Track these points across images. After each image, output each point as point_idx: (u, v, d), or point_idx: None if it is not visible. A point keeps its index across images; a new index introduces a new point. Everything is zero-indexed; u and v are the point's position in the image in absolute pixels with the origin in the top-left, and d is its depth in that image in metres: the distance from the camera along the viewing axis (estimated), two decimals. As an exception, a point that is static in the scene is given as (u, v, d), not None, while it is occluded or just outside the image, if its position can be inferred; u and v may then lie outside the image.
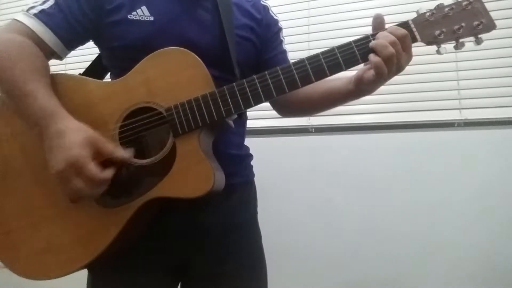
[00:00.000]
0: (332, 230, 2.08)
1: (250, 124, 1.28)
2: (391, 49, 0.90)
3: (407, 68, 0.95)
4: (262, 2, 1.27)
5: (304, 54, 2.15)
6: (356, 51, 0.94)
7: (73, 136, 0.88)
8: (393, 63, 0.91)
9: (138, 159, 0.97)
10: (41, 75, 0.98)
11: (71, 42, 1.08)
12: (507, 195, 1.86)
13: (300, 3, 2.37)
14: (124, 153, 0.93)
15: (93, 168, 0.87)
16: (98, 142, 0.90)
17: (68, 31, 1.05)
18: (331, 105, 1.21)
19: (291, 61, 1.13)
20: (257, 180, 1.29)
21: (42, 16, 1.02)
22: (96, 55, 1.20)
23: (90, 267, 1.04)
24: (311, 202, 2.13)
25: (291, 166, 2.18)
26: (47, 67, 1.03)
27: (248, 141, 1.27)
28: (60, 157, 0.87)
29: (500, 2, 1.92)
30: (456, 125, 2.00)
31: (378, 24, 0.96)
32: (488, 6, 0.92)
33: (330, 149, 2.15)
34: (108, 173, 0.90)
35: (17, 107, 0.96)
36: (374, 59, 0.92)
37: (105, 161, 0.91)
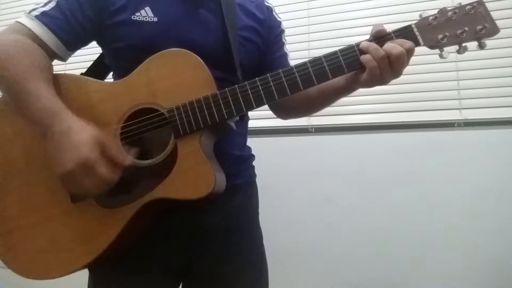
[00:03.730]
0: (332, 230, 2.08)
1: (250, 124, 1.28)
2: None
3: (407, 68, 0.96)
4: (266, 3, 1.27)
5: (304, 54, 2.16)
6: (359, 54, 0.95)
7: (80, 136, 0.88)
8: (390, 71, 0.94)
9: (140, 160, 0.97)
10: (43, 74, 0.97)
11: (72, 44, 1.08)
12: (507, 195, 1.86)
13: (300, 3, 2.36)
14: (125, 159, 0.93)
15: (101, 169, 0.87)
16: (104, 143, 0.90)
17: (69, 33, 1.05)
18: (328, 103, 1.22)
19: (293, 63, 1.13)
20: (257, 180, 1.30)
21: (43, 18, 1.02)
22: (97, 55, 1.20)
23: (91, 267, 1.04)
24: (311, 202, 2.13)
25: (291, 166, 2.18)
26: (50, 66, 1.02)
27: (248, 141, 1.27)
28: (68, 157, 0.86)
29: (500, 2, 1.92)
30: (456, 125, 2.00)
31: (376, 33, 0.96)
32: (488, 6, 0.92)
33: (330, 149, 2.15)
34: (115, 175, 0.90)
35: (18, 105, 0.95)
36: (370, 64, 0.93)
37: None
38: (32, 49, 0.99)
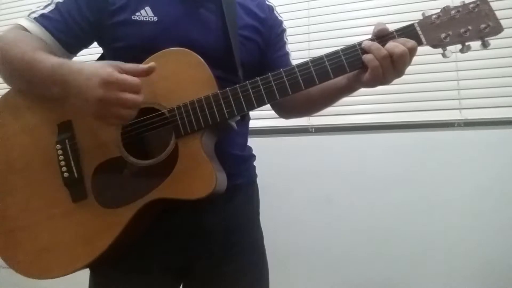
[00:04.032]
0: (332, 230, 2.09)
1: (250, 124, 1.28)
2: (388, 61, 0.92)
3: (407, 68, 0.96)
4: (267, 2, 1.27)
5: (304, 54, 2.15)
6: (361, 53, 0.94)
7: (93, 66, 0.88)
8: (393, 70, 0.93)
9: (141, 159, 0.97)
10: (49, 52, 0.98)
11: (71, 45, 1.08)
12: (507, 195, 1.86)
13: (300, 3, 2.36)
14: (144, 66, 0.92)
15: (126, 75, 0.86)
16: (117, 63, 0.89)
17: (68, 34, 1.05)
18: (329, 102, 1.22)
19: (293, 62, 1.13)
20: (257, 179, 1.30)
21: (42, 20, 1.03)
22: (98, 55, 1.20)
23: (92, 267, 1.04)
24: (311, 202, 2.13)
25: (291, 166, 2.18)
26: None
27: (249, 141, 1.27)
28: (93, 85, 0.84)
29: (500, 2, 1.92)
30: (456, 125, 2.00)
31: (379, 32, 0.96)
32: (488, 5, 0.92)
33: (330, 149, 2.15)
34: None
35: (28, 76, 0.96)
36: (372, 63, 0.93)
37: None
38: (36, 37, 1.01)
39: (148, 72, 0.91)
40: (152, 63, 0.92)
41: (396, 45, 0.91)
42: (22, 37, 0.99)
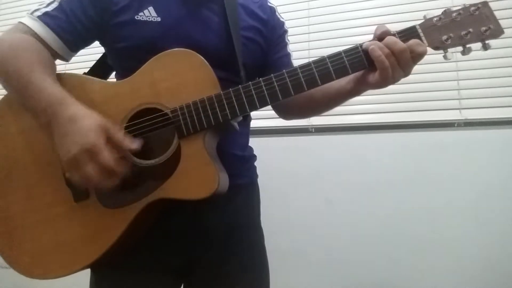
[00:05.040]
0: (332, 230, 2.09)
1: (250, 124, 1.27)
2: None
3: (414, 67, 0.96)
4: (269, 4, 1.26)
5: (304, 54, 2.15)
6: (363, 55, 0.94)
7: (86, 122, 0.87)
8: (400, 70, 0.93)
9: (143, 159, 0.97)
10: (47, 69, 0.98)
11: (74, 44, 1.08)
12: (507, 195, 1.86)
13: (300, 3, 2.36)
14: (131, 144, 0.92)
15: (107, 155, 0.85)
16: (109, 129, 0.89)
17: (71, 33, 1.05)
18: (332, 106, 1.21)
19: (294, 62, 1.12)
20: (258, 180, 1.30)
21: (45, 18, 1.03)
22: (99, 54, 1.20)
23: (94, 267, 1.04)
24: (311, 202, 2.14)
25: (291, 166, 2.18)
26: (53, 64, 1.03)
27: (249, 141, 1.27)
28: (75, 142, 0.85)
29: (500, 2, 1.92)
30: (456, 125, 2.01)
31: (381, 34, 0.96)
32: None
33: (330, 149, 2.15)
34: (121, 168, 0.89)
35: (22, 97, 0.96)
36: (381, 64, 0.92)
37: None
38: (36, 46, 1.00)
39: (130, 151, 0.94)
40: (138, 143, 0.93)
41: (395, 42, 0.91)
42: (24, 45, 0.98)
